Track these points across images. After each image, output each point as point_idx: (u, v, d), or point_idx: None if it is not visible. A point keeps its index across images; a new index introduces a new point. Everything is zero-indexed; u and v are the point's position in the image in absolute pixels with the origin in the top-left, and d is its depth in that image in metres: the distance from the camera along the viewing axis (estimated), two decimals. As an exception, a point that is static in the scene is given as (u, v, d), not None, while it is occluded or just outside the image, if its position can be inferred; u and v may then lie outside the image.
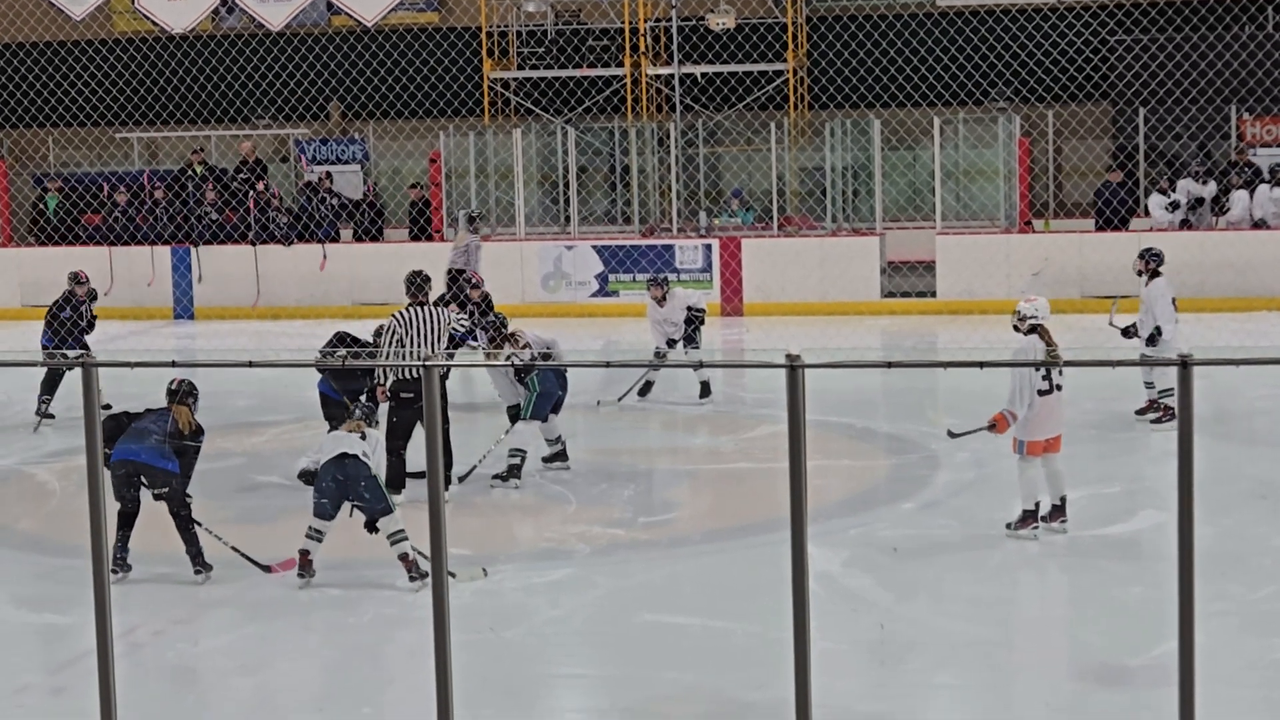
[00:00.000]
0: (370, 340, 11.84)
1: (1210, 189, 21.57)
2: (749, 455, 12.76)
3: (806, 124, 26.34)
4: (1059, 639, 8.38)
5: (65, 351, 14.06)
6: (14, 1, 26.73)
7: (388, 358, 11.03)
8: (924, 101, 25.56)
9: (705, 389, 14.66)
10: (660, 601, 8.87)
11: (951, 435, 10.25)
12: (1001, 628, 8.46)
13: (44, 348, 14.26)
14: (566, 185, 23.53)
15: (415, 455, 10.54)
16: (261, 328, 21.08)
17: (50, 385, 13.98)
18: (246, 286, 22.17)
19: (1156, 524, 9.99)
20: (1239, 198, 20.96)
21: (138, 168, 25.95)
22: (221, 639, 8.57)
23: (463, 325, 11.37)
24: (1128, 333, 12.90)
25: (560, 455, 11.93)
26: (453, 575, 8.04)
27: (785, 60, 25.98)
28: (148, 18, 22.33)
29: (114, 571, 8.92)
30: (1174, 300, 12.88)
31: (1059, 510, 9.77)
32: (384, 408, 10.74)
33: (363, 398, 11.10)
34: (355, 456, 8.97)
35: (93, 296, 14.61)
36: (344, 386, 11.52)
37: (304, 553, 9.02)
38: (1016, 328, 9.90)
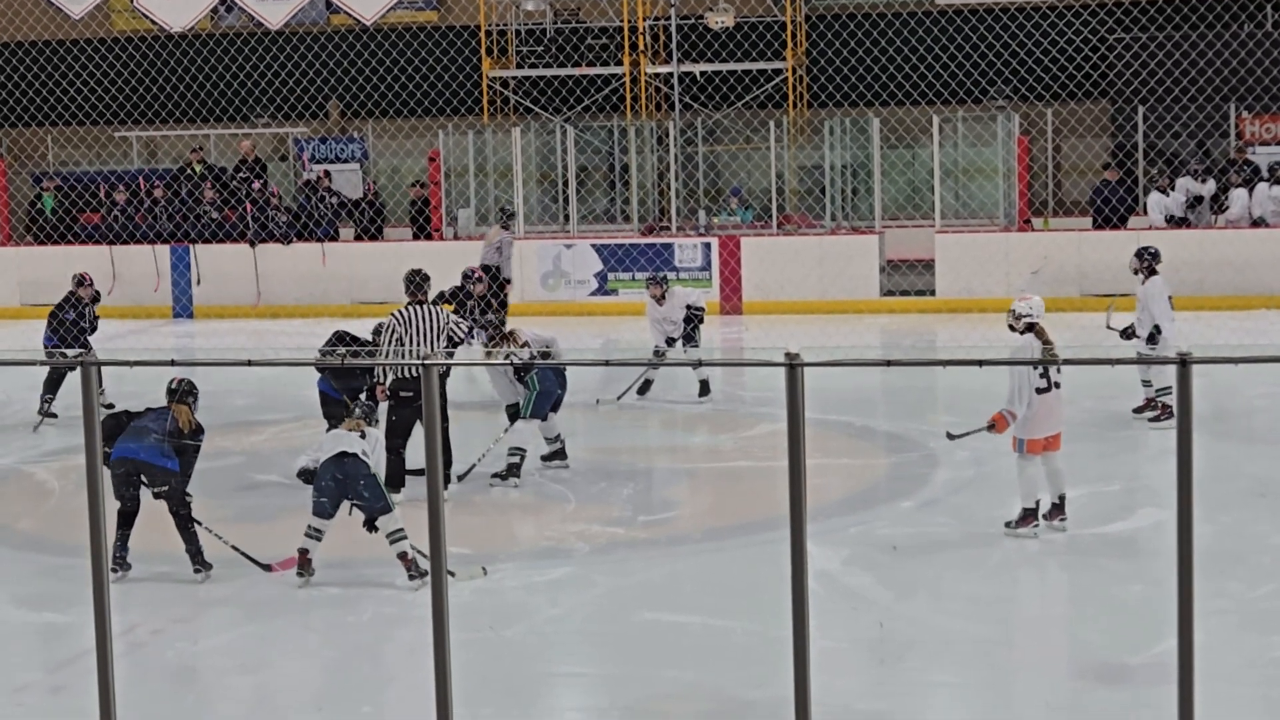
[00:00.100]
0: (369, 339, 11.84)
1: (1209, 187, 21.58)
2: (748, 454, 12.76)
3: (805, 122, 26.34)
4: (1058, 637, 8.38)
5: (64, 351, 14.07)
6: (13, 0, 26.73)
7: (387, 356, 11.03)
8: (923, 100, 25.57)
9: (704, 388, 14.66)
10: (660, 600, 8.87)
11: (951, 437, 10.25)
12: (1001, 626, 8.46)
13: (46, 348, 14.28)
14: (565, 184, 23.53)
15: (415, 454, 10.54)
16: (261, 326, 21.08)
17: (53, 385, 13.99)
18: (246, 285, 22.17)
19: (1156, 522, 9.99)
20: (1238, 196, 20.97)
21: (137, 167, 25.96)
22: (221, 638, 8.57)
23: (461, 330, 11.37)
24: (1126, 334, 12.89)
25: (559, 454, 11.93)
26: (452, 574, 8.04)
27: (784, 59, 25.98)
28: (147, 16, 22.34)
29: (114, 570, 8.92)
30: (1170, 298, 12.87)
31: (1058, 509, 9.78)
32: (383, 406, 10.74)
33: (362, 396, 11.10)
34: (354, 455, 8.97)
35: (95, 299, 14.63)
36: (343, 385, 11.52)
37: (303, 551, 9.02)
38: (1012, 327, 9.90)
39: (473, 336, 13.83)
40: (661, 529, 10.59)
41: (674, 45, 24.26)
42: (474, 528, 10.42)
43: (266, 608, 8.84)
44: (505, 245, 18.97)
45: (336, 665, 8.10)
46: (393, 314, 11.20)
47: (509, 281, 18.94)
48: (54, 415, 13.95)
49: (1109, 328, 12.94)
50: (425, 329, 11.04)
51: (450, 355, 11.24)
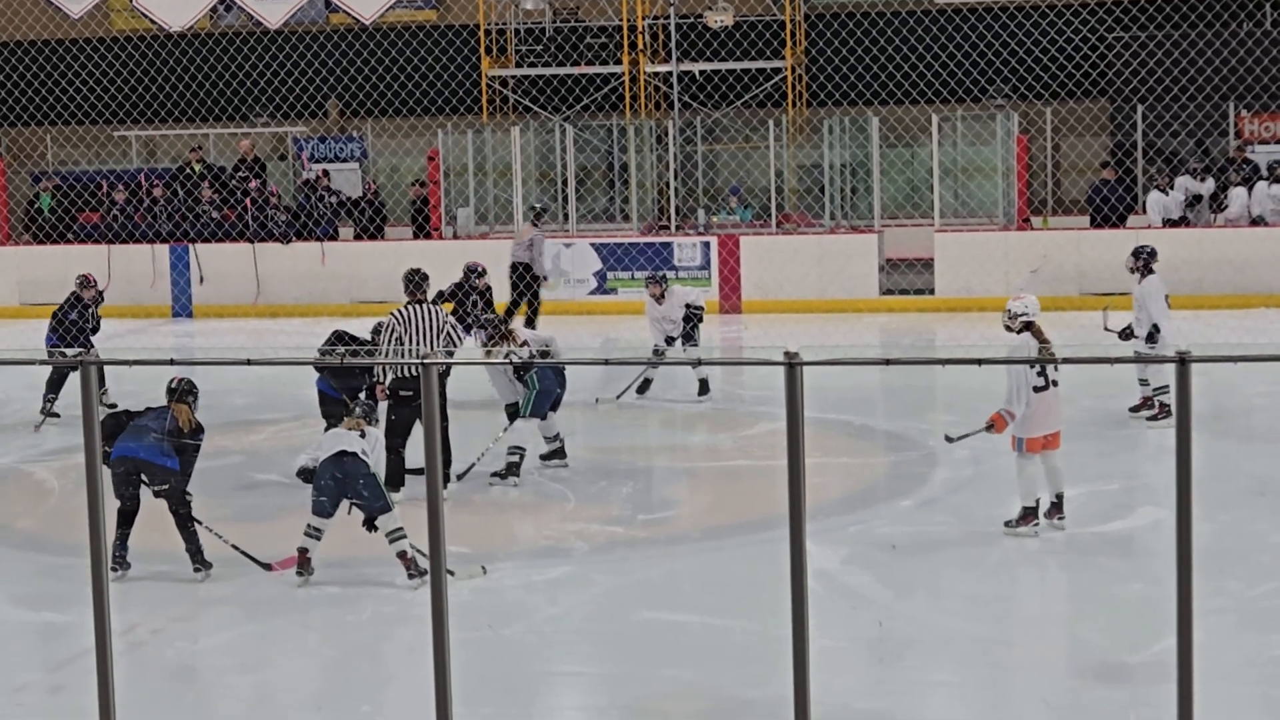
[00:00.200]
0: (368, 339, 11.84)
1: (1208, 186, 21.58)
2: (747, 453, 12.76)
3: (805, 121, 26.34)
4: (1058, 636, 8.39)
5: (64, 350, 14.07)
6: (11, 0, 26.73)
7: (386, 356, 11.03)
8: (922, 99, 25.56)
9: (704, 387, 14.66)
10: (659, 599, 8.87)
11: (949, 440, 10.27)
12: (1000, 625, 8.46)
13: (48, 348, 14.28)
14: (565, 183, 23.53)
15: (414, 453, 10.53)
16: (260, 326, 21.08)
17: (55, 385, 13.99)
18: (245, 285, 22.16)
19: (1155, 521, 10.00)
20: (1237, 195, 20.97)
21: (136, 166, 25.95)
22: (221, 637, 8.57)
23: (458, 335, 11.37)
24: (1124, 334, 12.88)
25: (559, 453, 11.93)
26: (451, 573, 8.04)
27: (783, 58, 25.98)
28: (146, 16, 22.35)
29: (113, 570, 8.93)
30: (1167, 297, 12.87)
31: (1057, 507, 9.78)
32: (383, 406, 10.74)
33: (361, 395, 11.10)
34: (354, 454, 8.97)
35: (98, 299, 14.64)
36: (342, 385, 11.51)
37: (303, 551, 9.02)
38: (1008, 327, 9.89)
39: (471, 335, 13.83)
40: (661, 528, 10.60)
41: (673, 44, 24.26)
42: (473, 527, 10.42)
43: (266, 607, 8.85)
44: (537, 242, 19.07)
45: (336, 664, 8.10)
46: (392, 313, 11.20)
47: (545, 278, 19.07)
48: (56, 415, 13.94)
49: (1107, 329, 12.93)
50: (425, 328, 11.04)
51: (450, 355, 11.24)
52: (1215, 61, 23.97)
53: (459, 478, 11.35)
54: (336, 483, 8.96)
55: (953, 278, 20.77)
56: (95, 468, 5.21)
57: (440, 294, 14.65)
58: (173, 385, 9.33)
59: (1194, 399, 4.78)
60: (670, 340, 14.62)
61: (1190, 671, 4.83)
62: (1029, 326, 9.77)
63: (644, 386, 14.73)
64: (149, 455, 9.11)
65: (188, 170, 23.32)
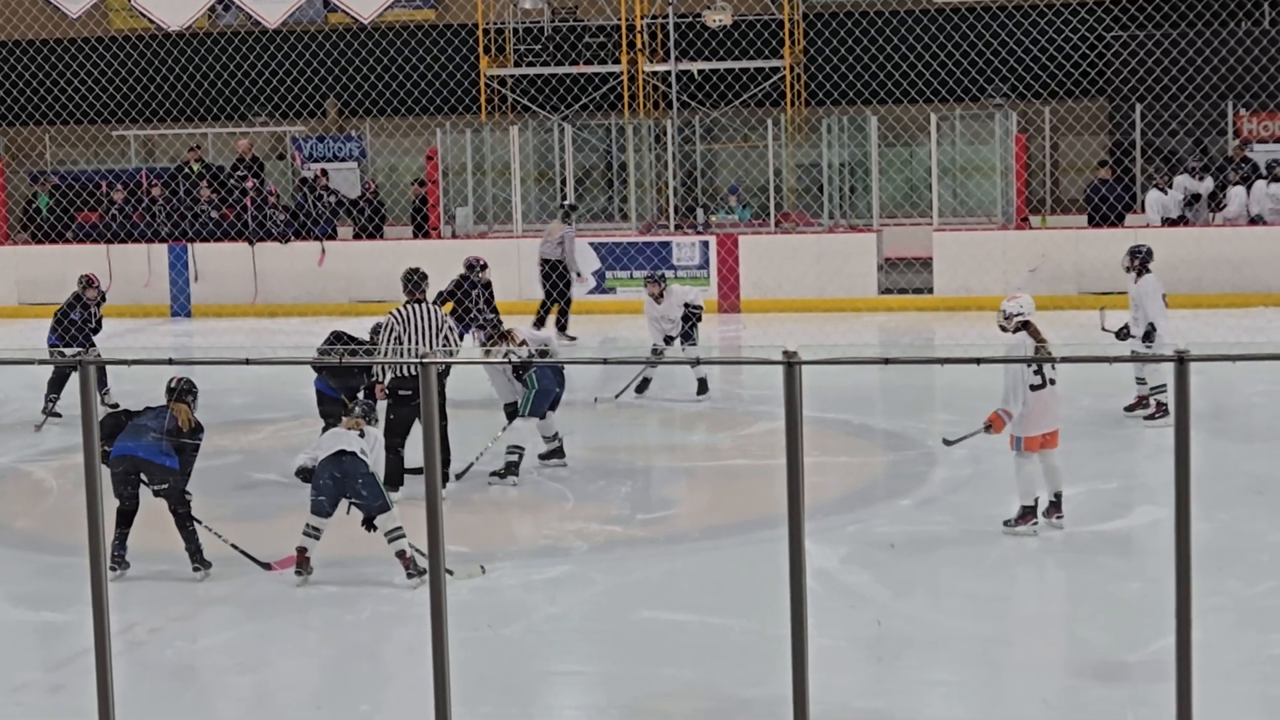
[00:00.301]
0: (367, 339, 11.84)
1: (1207, 185, 21.58)
2: (746, 452, 12.76)
3: (803, 120, 26.34)
4: (1056, 635, 8.39)
5: (63, 350, 14.06)
6: (10, -1, 26.74)
7: (385, 355, 11.03)
8: (921, 98, 25.56)
9: (702, 386, 14.66)
10: (658, 598, 8.87)
11: (947, 443, 10.27)
12: (999, 624, 8.47)
13: (50, 347, 14.28)
14: (563, 182, 23.53)
15: (413, 452, 10.54)
16: (259, 325, 21.07)
17: (57, 384, 13.97)
18: (244, 284, 22.16)
19: (1153, 520, 10.00)
20: (1236, 194, 20.97)
21: (134, 165, 25.94)
22: (220, 636, 8.57)
23: (455, 337, 11.37)
24: (1122, 334, 12.88)
25: (557, 452, 11.93)
26: (450, 572, 8.04)
27: (782, 57, 25.98)
28: (144, 15, 22.37)
29: (112, 569, 8.93)
30: (1164, 296, 12.87)
31: (1055, 506, 9.78)
32: (382, 405, 10.74)
33: (360, 395, 11.10)
34: (353, 454, 8.97)
35: (101, 300, 14.64)
36: (340, 384, 11.51)
37: (301, 550, 9.02)
38: (1003, 327, 9.89)
39: (470, 334, 13.84)
40: (660, 527, 10.60)
41: (672, 43, 24.26)
42: (472, 526, 10.42)
43: (265, 606, 8.85)
44: (568, 238, 19.13)
45: (335, 664, 8.10)
46: (391, 312, 11.20)
47: (579, 274, 19.11)
48: (58, 415, 13.93)
49: (1104, 329, 12.93)
50: (424, 328, 11.04)
51: (449, 355, 11.24)
52: (1214, 60, 23.98)
53: (458, 477, 11.35)
54: (335, 482, 8.96)
55: (951, 277, 20.77)
56: (94, 467, 5.21)
57: (440, 294, 14.66)
58: (172, 385, 9.33)
59: (1193, 398, 4.78)
60: (669, 340, 14.62)
61: (1189, 670, 4.83)
62: (1025, 326, 9.77)
63: (643, 386, 14.73)
64: (148, 454, 9.12)
65: (186, 170, 23.31)
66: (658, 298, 14.69)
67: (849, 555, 9.42)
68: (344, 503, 9.01)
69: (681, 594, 9.00)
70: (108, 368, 13.87)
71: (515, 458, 11.43)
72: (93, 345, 14.29)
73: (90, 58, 26.31)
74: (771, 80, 26.04)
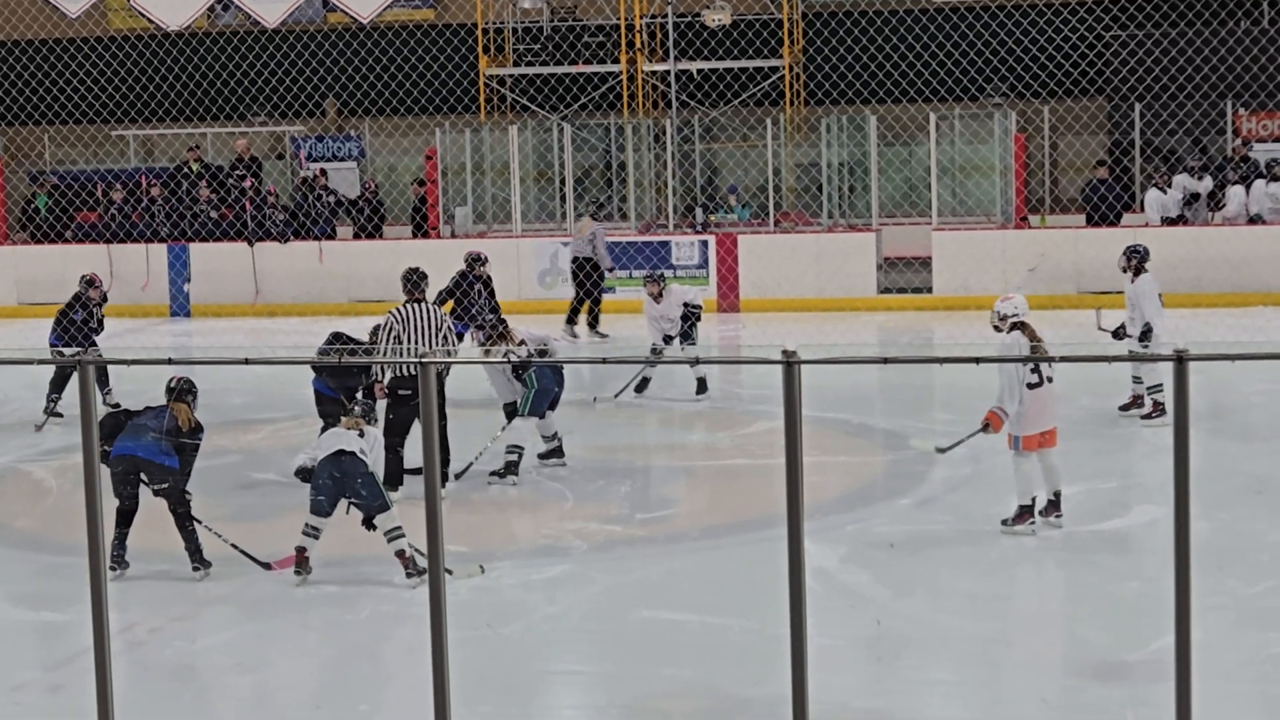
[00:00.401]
0: (366, 340, 11.83)
1: (1206, 184, 21.58)
2: (746, 451, 12.76)
3: (803, 120, 26.34)
4: (1056, 634, 8.39)
5: (62, 349, 14.06)
6: (9, -1, 26.74)
7: (385, 354, 11.02)
8: (920, 97, 25.56)
9: (702, 385, 14.66)
10: (657, 598, 8.87)
11: (940, 451, 10.28)
12: (998, 623, 8.47)
13: (52, 347, 14.27)
14: (563, 182, 23.52)
15: (413, 452, 10.54)
16: (258, 325, 21.07)
17: (59, 384, 13.96)
18: (243, 284, 22.15)
19: (1152, 519, 10.00)
20: (1235, 193, 20.97)
21: (134, 165, 25.94)
22: (220, 636, 8.57)
23: (454, 338, 11.37)
24: (1118, 334, 12.88)
25: (557, 452, 11.93)
26: (450, 572, 8.05)
27: (781, 56, 25.98)
28: (143, 15, 22.35)
29: (112, 569, 8.93)
30: (1160, 296, 12.86)
31: (1054, 505, 9.78)
32: (382, 405, 10.74)
33: (359, 395, 11.10)
34: (352, 454, 8.98)
35: (103, 300, 14.63)
36: (339, 384, 11.52)
37: (301, 550, 9.03)
38: (997, 328, 9.89)
39: (469, 334, 13.83)
40: (659, 527, 10.60)
41: (671, 43, 24.25)
42: (472, 526, 10.42)
43: (265, 606, 8.85)
44: (599, 235, 19.20)
45: (335, 663, 8.10)
46: (391, 312, 11.20)
47: (611, 269, 19.13)
48: (60, 415, 13.92)
49: (1100, 328, 12.93)
50: (423, 327, 11.04)
51: (449, 354, 11.24)
52: (1213, 60, 23.97)
53: (457, 477, 11.35)
54: (335, 482, 8.96)
55: (950, 276, 20.77)
56: (94, 467, 5.21)
57: (441, 293, 14.67)
58: (172, 384, 9.33)
59: (1192, 397, 4.78)
60: (668, 339, 14.62)
61: (1188, 670, 4.84)
62: (1019, 327, 9.78)
63: (642, 385, 14.73)
64: (148, 454, 9.12)
65: (185, 170, 23.31)
66: (657, 297, 14.70)
67: (848, 555, 9.42)
68: (343, 502, 9.02)
69: (681, 594, 9.00)
70: (109, 367, 13.86)
71: (515, 457, 11.43)
72: (94, 345, 14.29)
73: (89, 57, 26.31)
74: (771, 80, 26.04)
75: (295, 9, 22.08)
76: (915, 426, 13.03)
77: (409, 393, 10.75)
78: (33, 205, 23.57)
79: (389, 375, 10.86)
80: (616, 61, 26.04)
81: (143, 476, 9.15)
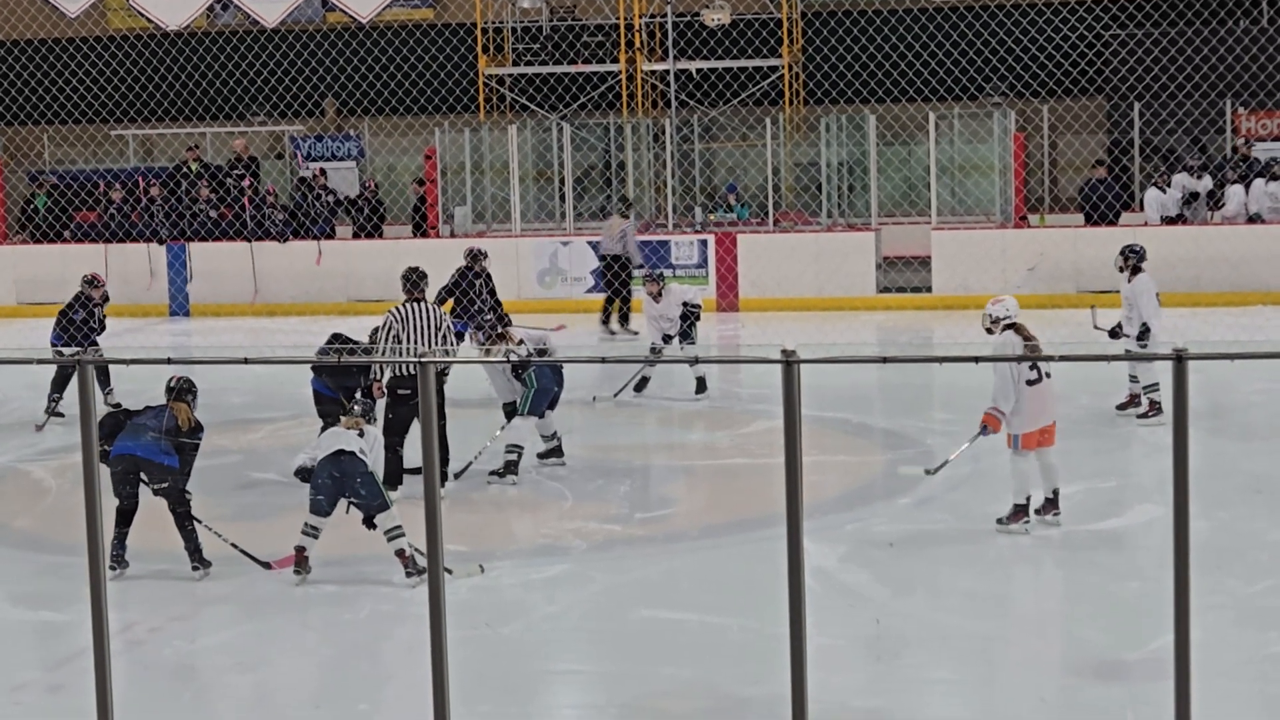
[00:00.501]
0: (365, 341, 11.83)
1: (1205, 183, 21.58)
2: (745, 451, 12.77)
3: (802, 119, 26.34)
4: (1055, 633, 8.39)
5: (62, 349, 14.05)
6: (8, -1, 26.73)
7: (384, 354, 11.03)
8: (919, 97, 25.57)
9: (701, 385, 14.66)
10: (657, 597, 8.87)
11: (929, 473, 10.30)
12: (998, 622, 8.47)
13: (53, 346, 14.26)
14: (562, 181, 23.53)
15: (412, 451, 10.54)
16: (257, 324, 21.07)
17: (60, 384, 13.96)
18: (242, 283, 22.15)
19: (1151, 519, 10.00)
20: (1234, 192, 20.98)
21: (133, 165, 25.94)
22: (219, 636, 8.57)
23: (453, 338, 11.38)
24: (1114, 333, 12.88)
25: (556, 451, 11.93)
26: (449, 571, 8.04)
27: (780, 56, 25.98)
28: (143, 15, 22.35)
29: (112, 568, 8.94)
30: (1157, 295, 12.86)
31: (1052, 503, 9.79)
32: (381, 404, 10.74)
33: (358, 394, 11.10)
34: (352, 453, 8.98)
35: (105, 299, 14.63)
36: (338, 384, 11.52)
37: (300, 549, 9.03)
38: (989, 330, 9.89)
39: (468, 333, 13.83)
40: (658, 526, 10.60)
41: (670, 42, 24.26)
42: (471, 525, 10.43)
43: (265, 606, 8.85)
44: (629, 233, 19.27)
45: (334, 663, 8.10)
46: (390, 311, 11.20)
47: (640, 267, 19.19)
48: (61, 415, 13.91)
49: (1096, 327, 12.93)
50: (423, 327, 11.04)
51: (448, 354, 11.24)
52: (1212, 59, 23.98)
53: (457, 476, 11.35)
54: (334, 481, 8.96)
55: (950, 275, 20.77)
56: (93, 466, 5.21)
57: (441, 292, 14.68)
58: (171, 384, 9.33)
59: (1191, 396, 4.78)
60: (667, 338, 14.63)
61: (1188, 669, 4.84)
62: (1011, 328, 9.78)
63: (641, 385, 14.73)
64: (148, 454, 9.12)
65: (185, 169, 23.31)
66: (656, 296, 14.70)
67: (848, 554, 9.42)
68: (343, 502, 9.02)
69: (680, 593, 9.00)
70: (110, 367, 13.86)
71: (514, 457, 11.43)
72: (95, 345, 14.29)
73: (89, 57, 26.30)
74: (770, 79, 26.04)
75: (294, 9, 22.08)
76: (916, 426, 13.02)
77: (408, 392, 10.75)
78: (32, 205, 23.56)
79: (388, 374, 10.87)
80: (616, 61, 26.04)
81: (142, 476, 9.15)
